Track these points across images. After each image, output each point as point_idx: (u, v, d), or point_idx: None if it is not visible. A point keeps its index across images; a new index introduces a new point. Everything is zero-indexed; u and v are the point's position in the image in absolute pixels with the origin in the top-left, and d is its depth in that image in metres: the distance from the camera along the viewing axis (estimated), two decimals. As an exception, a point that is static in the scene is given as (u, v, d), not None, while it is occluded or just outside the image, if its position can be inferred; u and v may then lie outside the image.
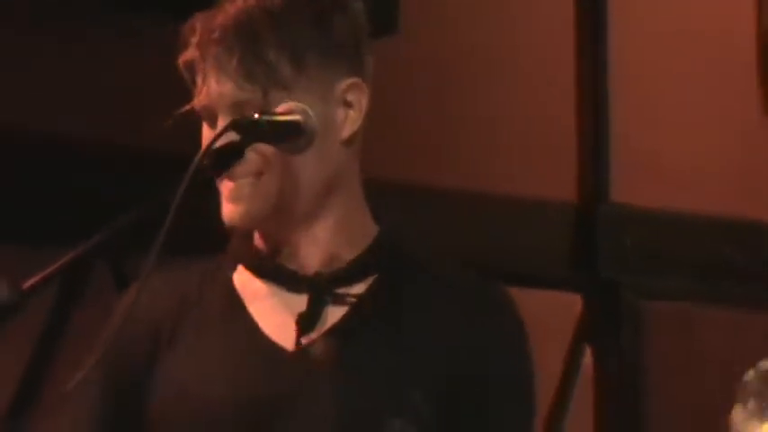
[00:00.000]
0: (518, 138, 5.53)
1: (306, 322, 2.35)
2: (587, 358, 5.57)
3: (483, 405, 2.40)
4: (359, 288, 2.39)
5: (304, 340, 2.35)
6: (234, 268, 2.43)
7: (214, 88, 2.29)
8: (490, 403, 2.41)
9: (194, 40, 2.32)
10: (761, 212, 5.73)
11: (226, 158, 2.24)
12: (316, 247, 2.38)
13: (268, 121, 2.22)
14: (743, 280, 5.73)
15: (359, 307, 2.38)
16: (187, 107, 2.33)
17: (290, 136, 2.24)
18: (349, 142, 2.35)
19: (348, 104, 2.31)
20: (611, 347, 5.61)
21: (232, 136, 2.22)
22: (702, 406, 5.49)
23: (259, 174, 2.29)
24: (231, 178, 2.29)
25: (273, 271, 2.40)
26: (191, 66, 2.33)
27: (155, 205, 2.23)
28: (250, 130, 2.22)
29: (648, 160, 5.74)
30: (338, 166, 2.35)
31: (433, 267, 2.46)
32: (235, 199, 2.31)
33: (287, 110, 2.23)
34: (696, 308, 5.73)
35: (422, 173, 5.16)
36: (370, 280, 2.40)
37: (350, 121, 2.32)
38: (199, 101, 2.31)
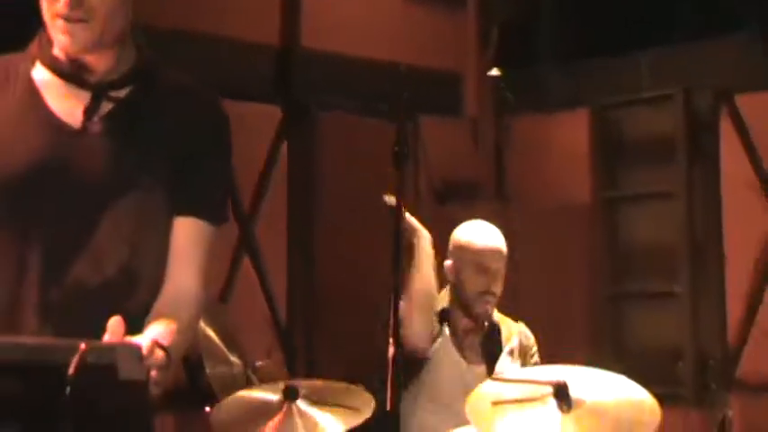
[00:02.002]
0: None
1: (89, 110, 2.35)
2: (284, 151, 5.60)
3: (201, 161, 2.41)
4: (125, 91, 2.38)
5: (86, 123, 2.34)
6: (34, 65, 2.38)
7: None
8: (205, 158, 2.42)
9: None
10: (401, 57, 5.64)
11: None
12: (101, 64, 2.36)
13: None
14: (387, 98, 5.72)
15: (125, 102, 2.38)
16: None
17: None
18: None
19: None
20: (299, 144, 5.62)
21: None
22: (359, 184, 5.53)
23: (88, 20, 2.28)
24: (67, 21, 2.28)
25: (68, 73, 2.37)
26: None
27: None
28: None
29: (330, 18, 5.71)
30: (129, 11, 2.36)
31: (174, 78, 2.46)
32: (70, 35, 2.29)
33: None
34: (357, 119, 5.73)
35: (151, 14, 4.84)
36: (132, 86, 2.39)
37: None
38: None
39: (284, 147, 5.60)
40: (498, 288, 4.11)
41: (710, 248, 5.40)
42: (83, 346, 2.06)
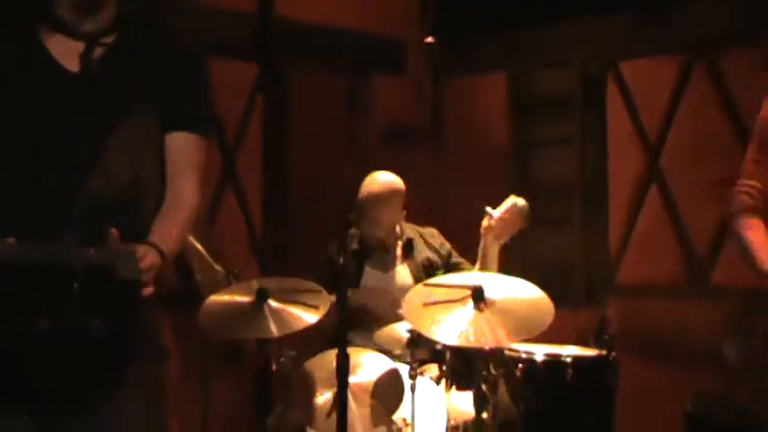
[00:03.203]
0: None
1: (85, 56, 2.31)
2: (260, 100, 5.50)
3: (185, 83, 2.37)
4: (113, 36, 2.36)
5: (84, 66, 2.32)
6: (38, 27, 2.35)
7: None
8: (188, 81, 2.38)
9: None
10: (359, 25, 5.65)
11: None
12: (95, 17, 2.34)
13: None
14: (345, 59, 5.63)
15: (114, 45, 2.35)
16: None
17: None
18: None
19: None
20: (273, 95, 5.52)
21: None
22: (321, 127, 5.54)
23: None
24: None
25: (67, 29, 2.34)
26: None
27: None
28: None
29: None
30: None
31: (153, 20, 2.43)
32: None
33: None
34: (321, 75, 5.66)
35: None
36: (118, 31, 2.36)
37: None
38: None
39: (260, 97, 5.51)
40: (374, 227, 4.15)
41: (598, 184, 5.45)
42: (89, 251, 2.09)
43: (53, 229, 2.24)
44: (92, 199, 2.25)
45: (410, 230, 4.29)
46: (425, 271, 4.17)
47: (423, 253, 4.23)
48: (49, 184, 2.27)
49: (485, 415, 3.59)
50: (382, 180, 4.20)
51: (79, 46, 2.33)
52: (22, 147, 2.28)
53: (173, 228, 2.31)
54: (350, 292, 3.73)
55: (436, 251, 4.23)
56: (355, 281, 4.17)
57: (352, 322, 3.89)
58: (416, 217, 4.32)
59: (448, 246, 4.29)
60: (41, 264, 2.12)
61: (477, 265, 3.94)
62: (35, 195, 2.28)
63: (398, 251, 4.25)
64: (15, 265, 2.11)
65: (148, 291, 2.17)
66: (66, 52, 2.33)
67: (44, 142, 2.28)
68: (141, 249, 2.18)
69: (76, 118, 2.28)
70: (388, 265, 4.24)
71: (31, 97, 2.29)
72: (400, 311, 3.67)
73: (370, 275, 4.23)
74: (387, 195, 4.16)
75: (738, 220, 3.09)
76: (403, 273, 4.21)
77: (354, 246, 4.19)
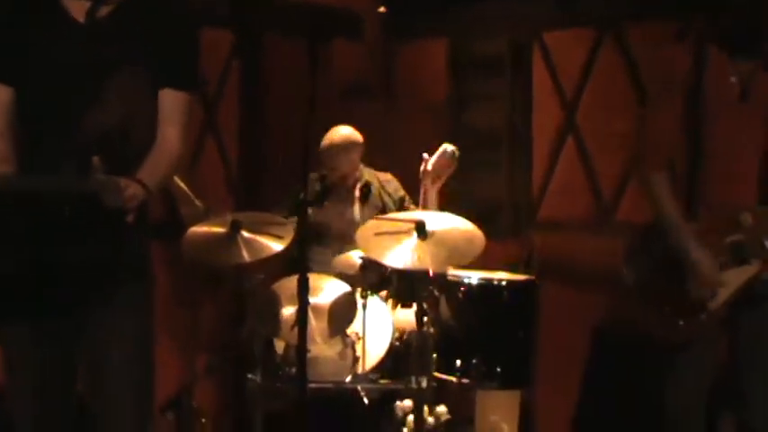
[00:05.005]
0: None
1: (91, 11, 2.27)
2: (236, 64, 5.37)
3: (176, 45, 2.31)
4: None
5: (88, 19, 2.27)
6: None
7: None
8: (178, 43, 2.32)
9: None
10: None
11: None
12: None
13: None
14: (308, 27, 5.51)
15: (118, 4, 2.30)
16: None
17: None
18: None
19: None
20: (247, 58, 5.41)
21: None
22: (288, 83, 5.33)
23: None
24: None
25: None
26: None
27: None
28: None
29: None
30: None
31: None
32: None
33: None
34: (289, 40, 5.44)
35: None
36: None
37: None
38: None
39: (236, 59, 5.39)
40: (334, 172, 4.10)
41: (524, 132, 5.45)
42: (78, 180, 2.03)
43: (56, 160, 2.19)
44: (87, 134, 2.21)
45: (368, 175, 4.29)
46: (379, 214, 4.15)
47: (378, 197, 4.23)
48: (53, 119, 2.23)
49: (425, 327, 3.62)
50: (342, 132, 4.20)
51: (85, 5, 2.29)
52: (36, 86, 2.24)
53: (158, 167, 2.27)
54: (310, 211, 3.74)
55: (390, 196, 4.24)
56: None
57: (312, 238, 3.85)
58: (372, 163, 4.30)
59: (402, 192, 4.30)
60: (36, 192, 2.06)
61: (420, 208, 3.94)
62: (43, 128, 2.24)
63: (357, 193, 4.22)
64: (13, 195, 2.07)
65: (130, 218, 2.12)
66: (79, 10, 2.27)
67: (52, 82, 2.24)
68: (125, 181, 2.15)
69: (79, 62, 2.23)
70: (346, 205, 4.21)
71: (44, 44, 2.25)
72: (354, 242, 3.68)
73: (330, 214, 4.20)
74: (345, 145, 4.16)
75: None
76: (358, 214, 4.18)
77: (316, 188, 4.17)
